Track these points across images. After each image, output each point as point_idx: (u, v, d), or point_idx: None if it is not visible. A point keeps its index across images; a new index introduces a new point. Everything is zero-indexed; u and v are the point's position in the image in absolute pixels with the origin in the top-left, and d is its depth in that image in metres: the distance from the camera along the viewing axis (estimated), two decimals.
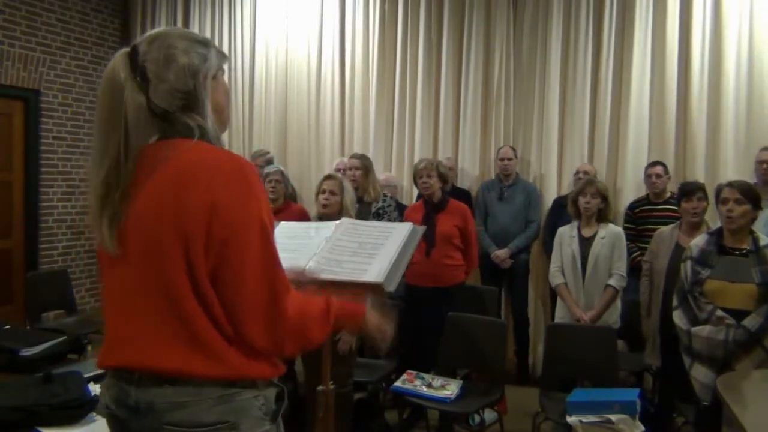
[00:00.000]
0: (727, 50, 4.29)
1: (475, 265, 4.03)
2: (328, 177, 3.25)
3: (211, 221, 1.18)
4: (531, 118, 4.95)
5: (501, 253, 4.50)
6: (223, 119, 1.36)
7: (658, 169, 4.20)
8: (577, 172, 4.46)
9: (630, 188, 4.55)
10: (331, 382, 2.06)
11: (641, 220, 4.24)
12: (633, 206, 4.34)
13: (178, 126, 1.26)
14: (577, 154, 4.76)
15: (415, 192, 5.04)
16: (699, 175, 4.27)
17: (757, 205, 2.77)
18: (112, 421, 1.30)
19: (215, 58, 1.33)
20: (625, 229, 3.99)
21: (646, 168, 4.31)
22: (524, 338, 4.68)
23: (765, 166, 3.92)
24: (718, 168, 4.32)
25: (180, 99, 1.26)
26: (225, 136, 6.00)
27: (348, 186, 3.20)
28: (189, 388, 1.21)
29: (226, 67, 1.38)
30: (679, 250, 3.26)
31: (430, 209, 3.84)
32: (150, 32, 1.30)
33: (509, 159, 4.65)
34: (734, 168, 4.20)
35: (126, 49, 1.28)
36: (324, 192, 3.14)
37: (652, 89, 4.52)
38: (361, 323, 1.48)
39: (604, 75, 4.67)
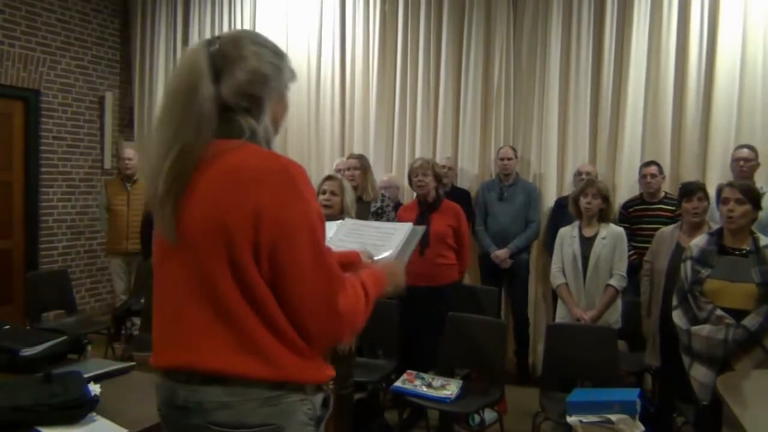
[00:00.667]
0: (722, 52, 4.30)
1: (467, 264, 4.03)
2: (329, 178, 3.26)
3: (258, 226, 1.18)
4: (531, 118, 4.95)
5: (501, 253, 4.50)
6: (276, 131, 1.37)
7: (653, 169, 4.20)
8: (579, 173, 4.45)
9: (626, 188, 4.55)
10: (331, 382, 2.06)
11: (635, 219, 4.24)
12: (627, 205, 4.35)
13: (234, 126, 1.26)
14: (578, 153, 4.76)
15: (414, 193, 5.05)
16: (693, 175, 4.28)
17: (757, 206, 2.78)
18: (163, 421, 1.32)
19: (288, 74, 1.35)
20: (624, 227, 3.99)
21: (641, 167, 4.31)
22: (524, 338, 4.68)
23: (741, 163, 3.93)
24: (711, 168, 4.31)
25: (244, 100, 1.27)
26: None
27: (348, 186, 3.21)
28: (236, 388, 1.20)
29: (292, 86, 1.40)
30: (679, 250, 3.26)
31: (424, 209, 3.85)
32: (234, 31, 1.34)
33: (509, 159, 4.64)
34: (727, 168, 4.18)
35: (206, 39, 1.30)
36: (325, 192, 3.15)
37: (647, 89, 4.53)
38: (385, 291, 1.49)
39: (606, 75, 4.67)
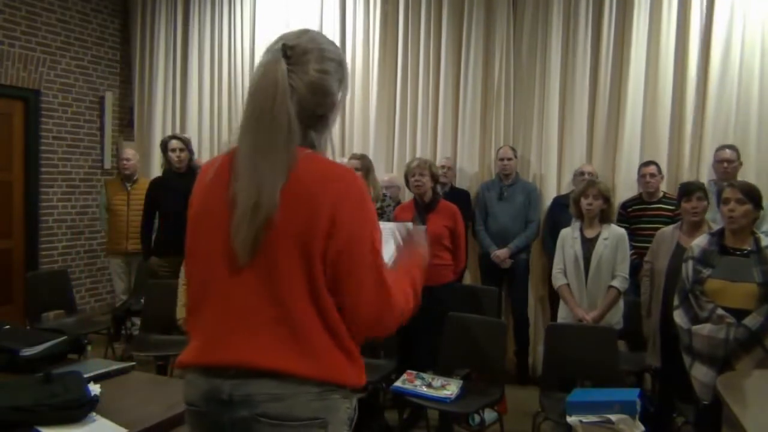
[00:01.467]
0: (719, 52, 4.29)
1: (463, 264, 4.01)
2: None
3: (331, 236, 1.23)
4: (531, 118, 4.95)
5: (501, 253, 4.50)
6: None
7: (652, 169, 4.20)
8: (582, 173, 4.43)
9: (626, 187, 4.54)
10: None
11: (634, 219, 4.24)
12: (626, 205, 4.34)
13: (301, 138, 1.28)
14: (577, 153, 4.76)
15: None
16: (691, 175, 4.29)
17: (758, 205, 2.77)
18: (199, 418, 1.32)
19: (346, 80, 1.37)
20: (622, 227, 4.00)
21: (640, 167, 4.31)
22: (524, 338, 4.67)
23: (725, 165, 3.93)
24: (708, 168, 4.29)
25: (310, 118, 1.30)
26: (224, 135, 5.97)
27: None
28: (289, 383, 1.24)
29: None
30: (679, 250, 3.26)
31: (421, 209, 3.85)
32: (303, 39, 1.30)
33: (509, 159, 4.64)
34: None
35: (280, 49, 1.26)
36: None
37: (646, 89, 4.52)
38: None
39: (603, 75, 4.68)
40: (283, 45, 1.28)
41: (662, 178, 4.25)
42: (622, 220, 4.25)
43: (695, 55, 4.38)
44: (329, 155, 1.36)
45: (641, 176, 4.26)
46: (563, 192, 4.69)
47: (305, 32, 1.33)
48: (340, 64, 1.34)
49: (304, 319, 1.25)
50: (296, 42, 1.29)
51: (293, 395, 1.23)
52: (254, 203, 1.21)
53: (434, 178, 3.89)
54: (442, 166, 4.66)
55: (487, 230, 4.64)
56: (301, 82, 1.26)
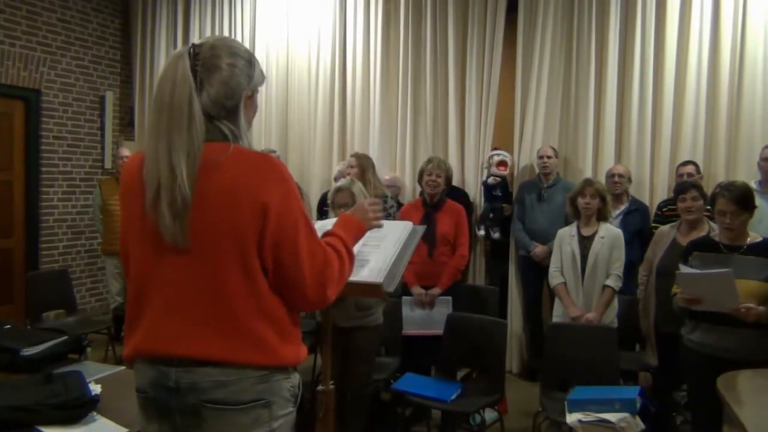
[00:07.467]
0: (751, 50, 4.20)
1: (464, 261, 3.98)
2: (339, 190, 3.11)
3: (265, 223, 1.31)
4: (557, 119, 4.81)
5: (539, 251, 4.40)
6: (248, 128, 1.47)
7: (690, 168, 4.08)
8: (612, 175, 4.30)
9: (665, 188, 4.44)
10: (331, 382, 2.06)
11: (669, 219, 4.15)
12: (662, 206, 4.25)
13: (218, 131, 1.36)
14: (613, 153, 4.62)
15: (417, 193, 5.01)
16: (727, 174, 4.20)
17: (753, 207, 2.75)
18: (148, 403, 1.38)
19: (258, 78, 1.45)
20: (654, 227, 3.96)
21: (678, 167, 4.21)
22: None
23: None
24: (741, 166, 4.22)
25: (222, 110, 1.37)
26: None
27: (359, 191, 3.10)
28: (231, 369, 1.31)
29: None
30: (674, 247, 3.26)
31: (430, 209, 3.84)
32: (210, 40, 1.40)
33: (548, 157, 4.49)
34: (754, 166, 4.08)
35: (187, 50, 1.35)
36: (340, 207, 3.00)
37: (676, 89, 4.42)
38: (362, 231, 1.67)
39: (637, 75, 4.53)
40: (192, 44, 1.38)
41: (701, 177, 4.07)
42: (657, 221, 4.14)
43: (727, 53, 4.26)
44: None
45: (679, 176, 4.12)
46: None
47: (215, 36, 1.44)
48: (250, 62, 1.42)
49: (240, 308, 1.31)
50: (204, 41, 1.38)
51: (236, 381, 1.31)
52: (158, 184, 1.28)
53: (448, 180, 3.89)
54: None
55: (527, 231, 4.55)
56: (211, 75, 1.34)
